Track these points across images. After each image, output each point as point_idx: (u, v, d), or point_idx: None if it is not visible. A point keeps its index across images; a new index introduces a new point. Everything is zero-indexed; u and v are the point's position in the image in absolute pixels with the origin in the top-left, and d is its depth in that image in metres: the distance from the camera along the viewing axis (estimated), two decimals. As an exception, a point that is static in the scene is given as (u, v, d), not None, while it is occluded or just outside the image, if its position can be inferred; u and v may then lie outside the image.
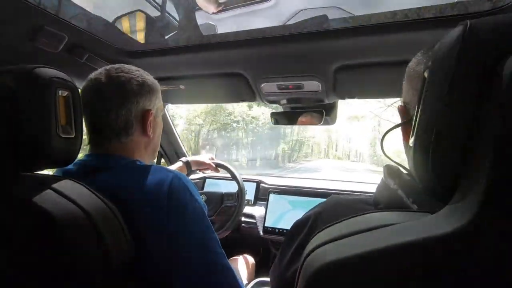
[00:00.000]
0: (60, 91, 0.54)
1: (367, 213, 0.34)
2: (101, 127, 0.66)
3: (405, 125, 0.45)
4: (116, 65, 0.70)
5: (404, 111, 0.47)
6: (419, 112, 0.32)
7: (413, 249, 0.25)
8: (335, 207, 0.48)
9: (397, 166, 0.46)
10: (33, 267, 0.47)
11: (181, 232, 0.58)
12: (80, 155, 0.62)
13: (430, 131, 0.29)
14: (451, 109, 0.28)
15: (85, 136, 0.66)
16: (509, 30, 0.26)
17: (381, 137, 0.49)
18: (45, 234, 0.46)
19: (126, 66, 0.71)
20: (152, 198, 0.58)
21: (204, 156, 1.33)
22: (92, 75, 0.68)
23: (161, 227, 0.57)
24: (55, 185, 0.50)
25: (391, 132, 0.49)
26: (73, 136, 0.56)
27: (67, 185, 0.51)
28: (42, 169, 0.56)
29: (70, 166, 0.65)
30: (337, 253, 0.28)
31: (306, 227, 0.49)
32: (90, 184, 0.54)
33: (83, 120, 0.65)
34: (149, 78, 0.72)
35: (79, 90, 0.59)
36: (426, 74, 0.32)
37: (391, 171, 0.44)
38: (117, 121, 0.66)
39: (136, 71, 0.70)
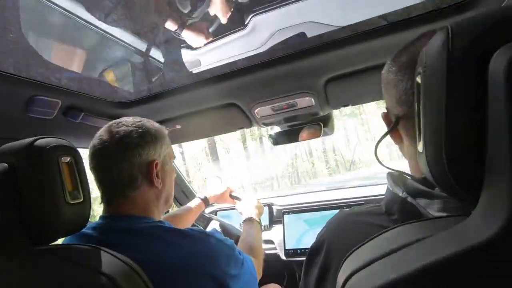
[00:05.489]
0: (62, 158, 0.54)
1: (389, 230, 0.33)
2: (109, 185, 0.66)
3: (392, 130, 0.47)
4: (118, 120, 0.69)
5: (386, 118, 0.49)
6: (421, 118, 0.32)
7: (456, 262, 0.24)
8: (346, 225, 0.48)
9: (399, 172, 0.46)
10: None
11: None
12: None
13: (439, 134, 0.29)
14: (453, 112, 0.28)
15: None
16: (487, 28, 0.27)
17: None
18: None
19: (128, 118, 0.69)
20: (185, 274, 0.58)
21: (221, 188, 1.26)
22: (97, 134, 0.68)
23: None
24: (75, 256, 0.48)
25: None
26: (81, 200, 0.56)
27: (87, 254, 0.50)
28: (56, 240, 0.55)
29: (89, 231, 0.63)
30: (379, 278, 0.27)
31: (323, 249, 0.48)
32: (112, 248, 0.52)
33: (95, 181, 0.65)
34: (153, 126, 0.70)
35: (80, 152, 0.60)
36: (418, 80, 0.33)
37: (395, 179, 0.44)
38: (119, 176, 0.64)
39: (137, 122, 0.68)
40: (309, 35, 0.96)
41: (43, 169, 0.52)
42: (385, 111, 0.49)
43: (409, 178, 0.43)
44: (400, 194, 0.41)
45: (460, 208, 0.32)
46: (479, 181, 0.27)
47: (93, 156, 0.66)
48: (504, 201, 0.24)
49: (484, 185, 0.27)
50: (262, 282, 1.30)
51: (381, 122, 0.49)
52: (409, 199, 0.39)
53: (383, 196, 0.46)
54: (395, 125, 0.45)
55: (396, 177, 0.45)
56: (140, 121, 0.69)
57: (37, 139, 0.54)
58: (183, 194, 1.68)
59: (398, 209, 0.41)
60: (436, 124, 0.29)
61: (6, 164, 0.51)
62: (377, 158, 0.49)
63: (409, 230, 0.32)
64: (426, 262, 0.25)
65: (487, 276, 0.24)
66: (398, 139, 0.48)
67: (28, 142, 0.53)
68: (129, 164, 0.64)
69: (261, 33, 1.17)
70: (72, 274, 0.46)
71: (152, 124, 0.71)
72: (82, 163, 0.59)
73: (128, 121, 0.68)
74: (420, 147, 0.33)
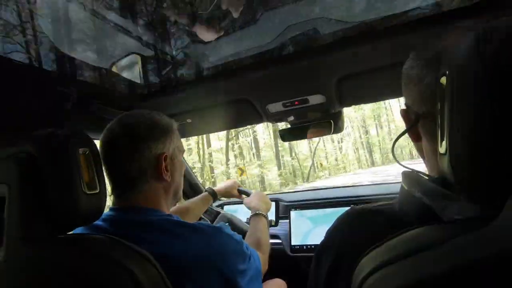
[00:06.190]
0: (80, 149, 0.56)
1: (409, 231, 0.33)
2: (118, 177, 0.66)
3: (412, 128, 0.46)
4: (129, 112, 0.70)
5: (406, 115, 0.47)
6: (446, 119, 0.31)
7: (484, 266, 0.24)
8: (357, 224, 0.47)
9: (414, 171, 0.45)
10: None
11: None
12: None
13: (468, 136, 0.29)
14: (482, 114, 0.27)
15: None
16: None
17: None
18: None
19: (139, 111, 0.70)
20: (196, 266, 0.59)
21: (229, 182, 1.29)
22: (108, 126, 0.68)
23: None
24: (94, 246, 0.50)
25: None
26: (98, 191, 0.57)
27: (105, 245, 0.51)
28: (73, 229, 0.56)
29: (99, 222, 0.64)
30: (402, 277, 0.28)
31: (335, 246, 0.47)
32: (125, 238, 0.53)
33: (105, 173, 0.65)
34: (162, 119, 0.71)
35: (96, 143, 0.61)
36: (444, 81, 0.32)
37: (410, 178, 0.43)
38: (130, 169, 0.65)
39: (147, 114, 0.69)
40: (321, 32, 0.95)
41: (62, 160, 0.53)
42: (405, 108, 0.48)
43: (425, 177, 0.42)
44: (415, 194, 0.40)
45: (477, 211, 0.32)
46: (508, 183, 0.27)
47: (103, 148, 0.67)
48: None
49: None
50: (267, 277, 1.31)
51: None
52: (425, 199, 0.38)
53: (393, 195, 0.46)
54: (415, 123, 0.44)
55: (410, 176, 0.44)
56: (150, 114, 0.70)
57: (55, 130, 0.55)
58: (191, 188, 1.70)
59: (414, 210, 0.41)
60: (464, 126, 0.29)
61: (26, 154, 0.53)
62: (394, 156, 0.49)
63: (428, 232, 0.32)
64: (452, 263, 0.25)
65: None
66: (415, 137, 0.47)
67: (47, 133, 0.54)
68: (138, 157, 0.65)
69: (273, 29, 1.17)
70: (91, 264, 0.47)
71: (162, 117, 0.71)
72: (98, 154, 0.60)
73: (139, 113, 0.69)
74: (443, 148, 0.32)
